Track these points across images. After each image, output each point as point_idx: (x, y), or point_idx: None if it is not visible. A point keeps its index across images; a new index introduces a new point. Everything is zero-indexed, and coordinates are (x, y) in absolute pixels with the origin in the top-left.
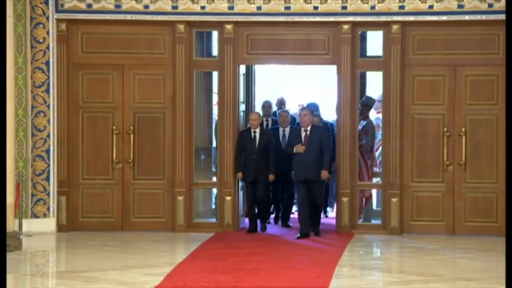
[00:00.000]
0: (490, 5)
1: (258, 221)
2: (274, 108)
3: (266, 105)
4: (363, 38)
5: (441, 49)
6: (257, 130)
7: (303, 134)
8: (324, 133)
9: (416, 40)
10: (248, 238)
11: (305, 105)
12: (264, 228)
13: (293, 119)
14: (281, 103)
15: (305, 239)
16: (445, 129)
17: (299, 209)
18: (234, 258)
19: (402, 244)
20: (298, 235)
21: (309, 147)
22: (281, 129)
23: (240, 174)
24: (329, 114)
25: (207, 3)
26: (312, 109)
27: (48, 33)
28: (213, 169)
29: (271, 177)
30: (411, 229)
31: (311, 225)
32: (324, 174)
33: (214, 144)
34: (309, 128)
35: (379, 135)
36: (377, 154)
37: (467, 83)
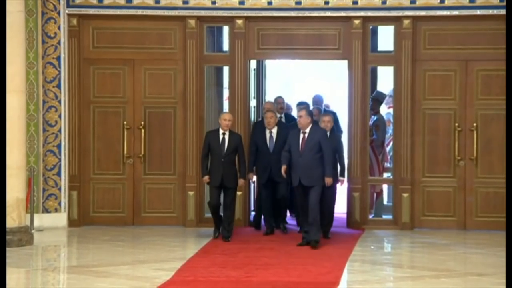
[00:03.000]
0: (501, 0)
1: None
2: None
3: (280, 100)
4: (374, 33)
5: (452, 44)
6: (227, 132)
7: (301, 136)
8: (323, 135)
9: (427, 35)
10: (259, 233)
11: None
12: (227, 237)
13: (292, 117)
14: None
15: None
16: (456, 124)
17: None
18: (245, 253)
19: (413, 239)
20: (299, 242)
21: (305, 150)
22: (267, 130)
23: (206, 178)
24: (340, 109)
25: None
26: (318, 102)
27: (59, 28)
28: None
29: (251, 175)
30: (422, 224)
31: (320, 228)
32: (328, 181)
33: None
34: (307, 130)
35: (390, 130)
36: (387, 149)
37: (479, 78)
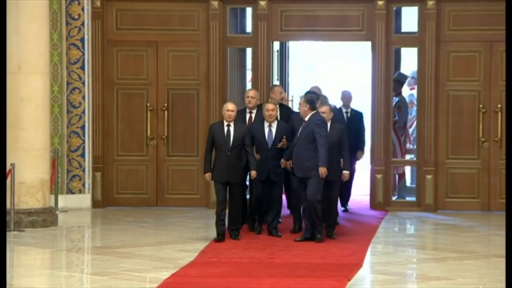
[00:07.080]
0: None
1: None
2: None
3: (280, 90)
4: (398, 14)
5: (476, 25)
6: (232, 124)
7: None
8: (316, 123)
9: (452, 15)
10: (282, 215)
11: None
12: (236, 236)
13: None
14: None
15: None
16: (481, 105)
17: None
18: (267, 235)
19: (437, 221)
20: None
21: (299, 139)
22: (266, 124)
23: (208, 175)
24: (363, 91)
25: None
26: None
27: (83, 9)
28: None
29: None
30: (446, 206)
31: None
32: (322, 170)
33: None
34: (306, 118)
35: (412, 111)
36: (410, 130)
37: (503, 59)
